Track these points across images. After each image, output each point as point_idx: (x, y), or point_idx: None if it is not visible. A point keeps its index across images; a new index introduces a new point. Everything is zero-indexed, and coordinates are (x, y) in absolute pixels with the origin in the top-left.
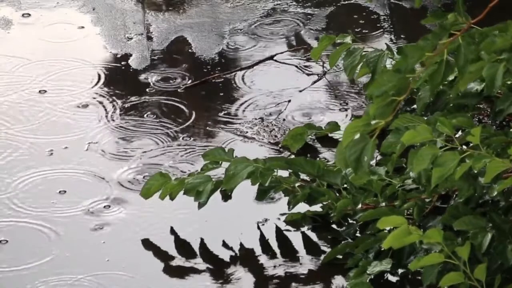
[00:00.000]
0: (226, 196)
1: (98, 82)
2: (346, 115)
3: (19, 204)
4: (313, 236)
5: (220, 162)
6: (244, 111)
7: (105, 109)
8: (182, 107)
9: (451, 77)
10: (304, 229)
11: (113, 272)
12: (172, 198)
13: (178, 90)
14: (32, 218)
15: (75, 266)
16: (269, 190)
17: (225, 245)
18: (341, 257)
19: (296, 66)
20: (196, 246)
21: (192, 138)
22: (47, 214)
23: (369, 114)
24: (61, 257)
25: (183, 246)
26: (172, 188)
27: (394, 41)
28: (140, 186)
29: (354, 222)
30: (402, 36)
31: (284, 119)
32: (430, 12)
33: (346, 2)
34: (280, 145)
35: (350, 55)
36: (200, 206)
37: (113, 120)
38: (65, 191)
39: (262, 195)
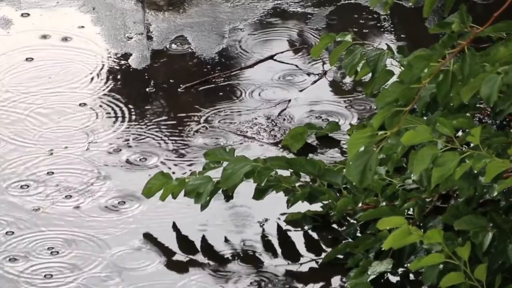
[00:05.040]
0: (228, 196)
1: (98, 82)
2: (347, 115)
3: None
4: (313, 235)
5: (221, 162)
6: (244, 110)
7: (105, 109)
8: (182, 107)
9: None
10: (305, 228)
11: (114, 268)
12: (174, 198)
13: (178, 89)
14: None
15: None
16: (267, 189)
17: (225, 244)
18: (341, 257)
19: (296, 66)
20: (197, 245)
21: (192, 138)
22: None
23: (373, 125)
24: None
25: (184, 245)
26: (173, 188)
27: (394, 40)
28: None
29: (355, 221)
30: (402, 35)
31: (284, 119)
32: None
33: (346, 2)
34: (280, 145)
35: (350, 54)
36: (203, 208)
37: (113, 119)
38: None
39: (259, 195)
